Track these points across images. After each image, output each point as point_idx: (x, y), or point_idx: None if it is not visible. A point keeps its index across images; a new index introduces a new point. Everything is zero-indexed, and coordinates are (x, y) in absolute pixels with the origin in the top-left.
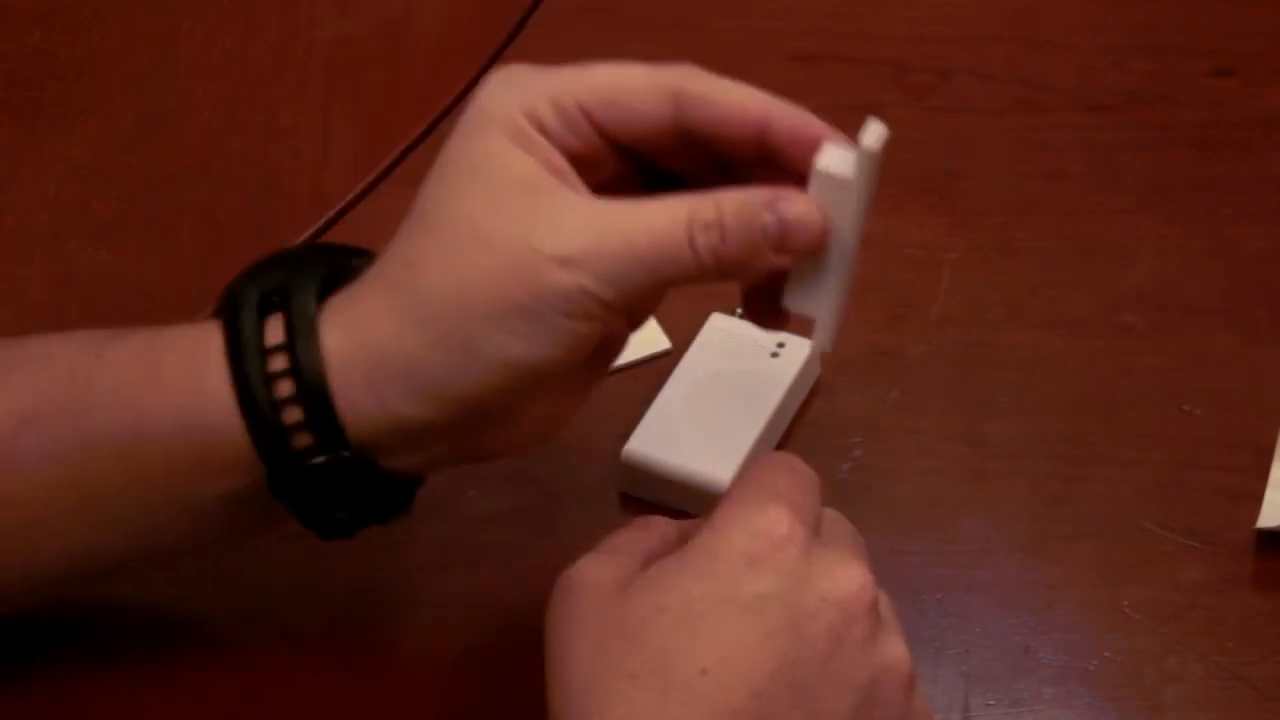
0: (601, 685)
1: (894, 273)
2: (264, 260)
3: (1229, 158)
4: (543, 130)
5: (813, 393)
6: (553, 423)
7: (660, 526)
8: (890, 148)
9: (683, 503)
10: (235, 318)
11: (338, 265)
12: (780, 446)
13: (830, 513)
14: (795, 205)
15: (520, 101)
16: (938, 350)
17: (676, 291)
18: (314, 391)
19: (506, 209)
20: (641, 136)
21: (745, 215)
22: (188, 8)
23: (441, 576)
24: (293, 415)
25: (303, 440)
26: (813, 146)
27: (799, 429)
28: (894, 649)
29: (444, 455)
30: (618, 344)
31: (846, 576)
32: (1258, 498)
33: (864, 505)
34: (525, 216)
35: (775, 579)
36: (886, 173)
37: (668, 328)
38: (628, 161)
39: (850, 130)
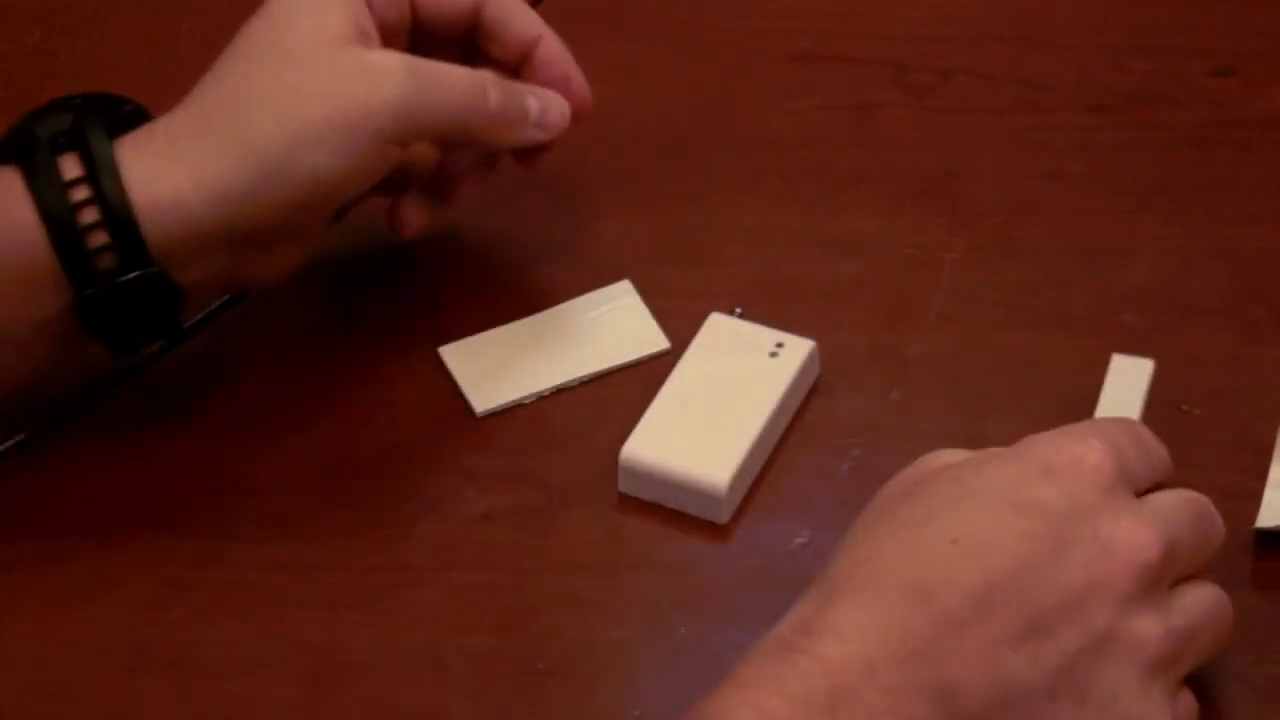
0: (872, 527)
1: (894, 273)
2: (38, 109)
3: (1229, 158)
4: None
5: (812, 392)
6: (298, 258)
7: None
8: None
9: (682, 503)
10: (31, 156)
11: (112, 110)
12: (779, 446)
13: (1177, 496)
14: (553, 98)
15: None
16: (938, 350)
17: (677, 292)
18: (119, 216)
19: (331, 51)
20: (445, 19)
21: (517, 90)
22: (188, 8)
23: (441, 577)
24: (97, 239)
25: (107, 261)
26: (558, 80)
27: (798, 429)
28: (1148, 624)
29: (223, 273)
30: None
31: (1133, 529)
32: (1257, 498)
33: (864, 505)
34: (350, 55)
35: (1059, 495)
36: (886, 172)
37: (667, 328)
38: (410, 48)
39: (849, 129)
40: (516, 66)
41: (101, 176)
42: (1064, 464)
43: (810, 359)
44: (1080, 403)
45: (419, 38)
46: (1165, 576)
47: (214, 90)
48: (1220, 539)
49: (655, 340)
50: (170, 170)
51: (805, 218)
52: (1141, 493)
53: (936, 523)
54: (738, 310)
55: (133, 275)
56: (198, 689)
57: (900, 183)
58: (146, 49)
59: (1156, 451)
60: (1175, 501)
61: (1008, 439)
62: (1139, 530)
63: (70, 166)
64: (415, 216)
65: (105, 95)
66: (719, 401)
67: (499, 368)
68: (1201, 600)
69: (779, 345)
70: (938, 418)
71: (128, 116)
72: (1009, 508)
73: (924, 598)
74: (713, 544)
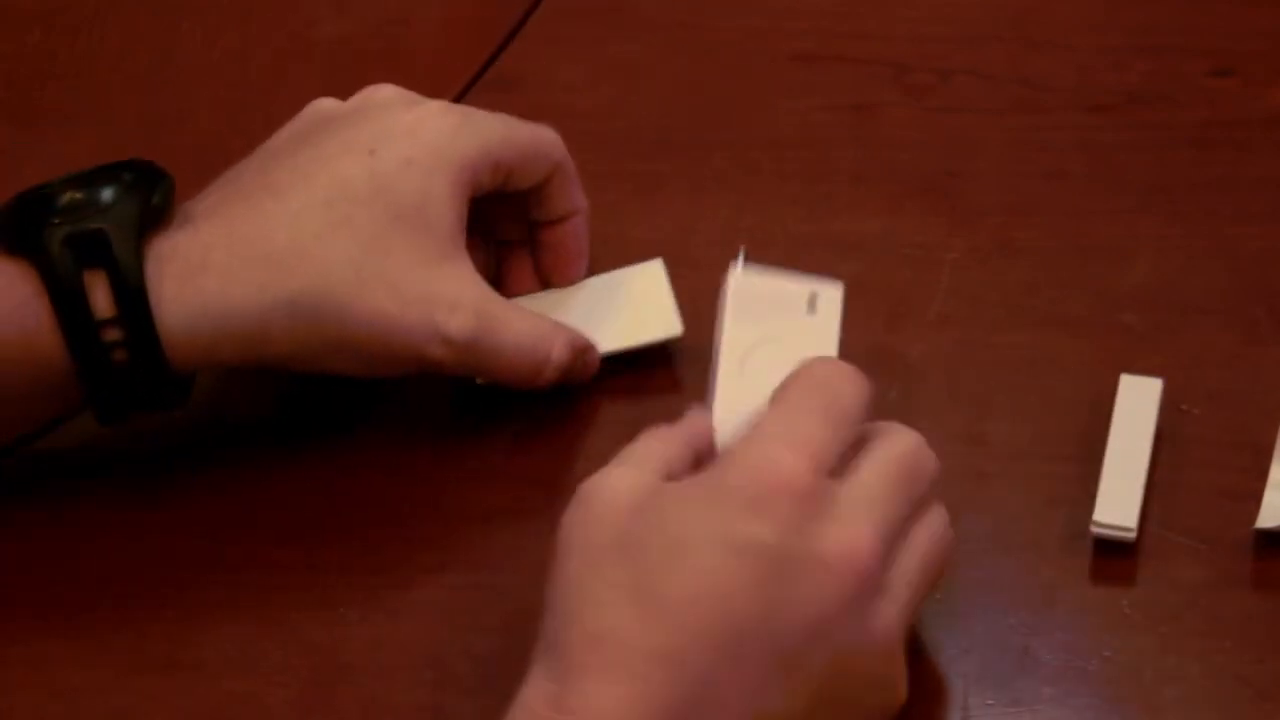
0: (589, 591)
1: (894, 273)
2: (59, 187)
3: (1229, 158)
4: (476, 187)
5: None
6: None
7: (681, 438)
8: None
9: None
10: (52, 271)
11: (146, 188)
12: None
13: (876, 463)
14: (595, 352)
15: (473, 159)
16: (938, 350)
17: (675, 291)
18: (145, 346)
19: (414, 256)
20: (522, 186)
21: (590, 350)
22: (188, 8)
23: (441, 577)
24: (112, 335)
25: (121, 355)
26: (568, 257)
27: None
28: (884, 614)
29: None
30: None
31: (844, 538)
32: (1257, 498)
33: None
34: (431, 274)
35: (768, 528)
36: (886, 172)
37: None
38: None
39: (849, 129)
40: (537, 222)
41: (135, 320)
42: (762, 493)
43: (843, 303)
44: (1080, 403)
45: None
46: (886, 559)
47: (267, 209)
48: (934, 470)
49: (669, 324)
50: (197, 310)
51: (805, 218)
52: (848, 452)
53: (663, 582)
54: (742, 252)
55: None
56: (198, 689)
57: (900, 183)
58: (146, 49)
59: (849, 392)
60: (876, 473)
61: (1008, 439)
62: (849, 536)
63: (97, 287)
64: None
65: (114, 167)
66: (782, 369)
67: None
68: (920, 544)
69: (814, 295)
70: (937, 418)
71: (151, 211)
72: (728, 553)
73: (677, 664)
74: None
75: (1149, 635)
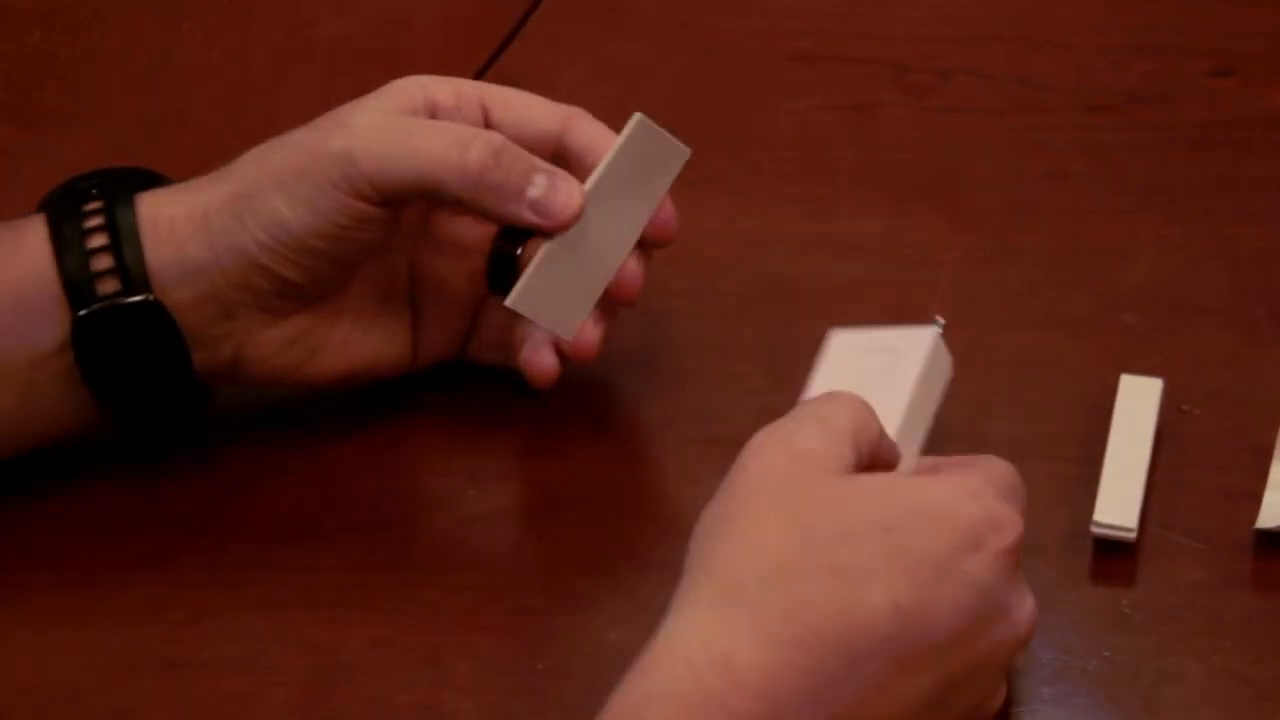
0: (801, 566)
1: (894, 273)
2: (83, 174)
3: (1229, 158)
4: (432, 105)
5: None
6: (320, 364)
7: (868, 412)
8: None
9: None
10: (56, 198)
11: (153, 180)
12: None
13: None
14: (566, 182)
15: (426, 81)
16: None
17: (676, 292)
18: (123, 237)
19: (339, 114)
20: (526, 141)
21: (525, 160)
22: (188, 8)
23: (441, 577)
24: (101, 262)
25: (108, 286)
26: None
27: None
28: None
29: (226, 343)
30: (376, 314)
31: (1030, 607)
32: (1257, 498)
33: None
34: (347, 111)
35: (985, 570)
36: (886, 172)
37: (665, 328)
38: None
39: (849, 129)
40: None
41: (117, 210)
42: (991, 539)
43: (939, 352)
44: (1080, 403)
45: None
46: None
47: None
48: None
49: None
50: (173, 202)
51: (805, 218)
52: None
53: (878, 582)
54: (939, 320)
55: (130, 299)
56: (198, 689)
57: (900, 183)
58: (146, 49)
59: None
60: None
61: (1008, 439)
62: (1033, 606)
63: (94, 208)
64: (543, 360)
65: (147, 170)
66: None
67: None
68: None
69: (903, 341)
70: (938, 417)
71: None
72: (945, 578)
73: (857, 662)
74: None
75: (1149, 635)
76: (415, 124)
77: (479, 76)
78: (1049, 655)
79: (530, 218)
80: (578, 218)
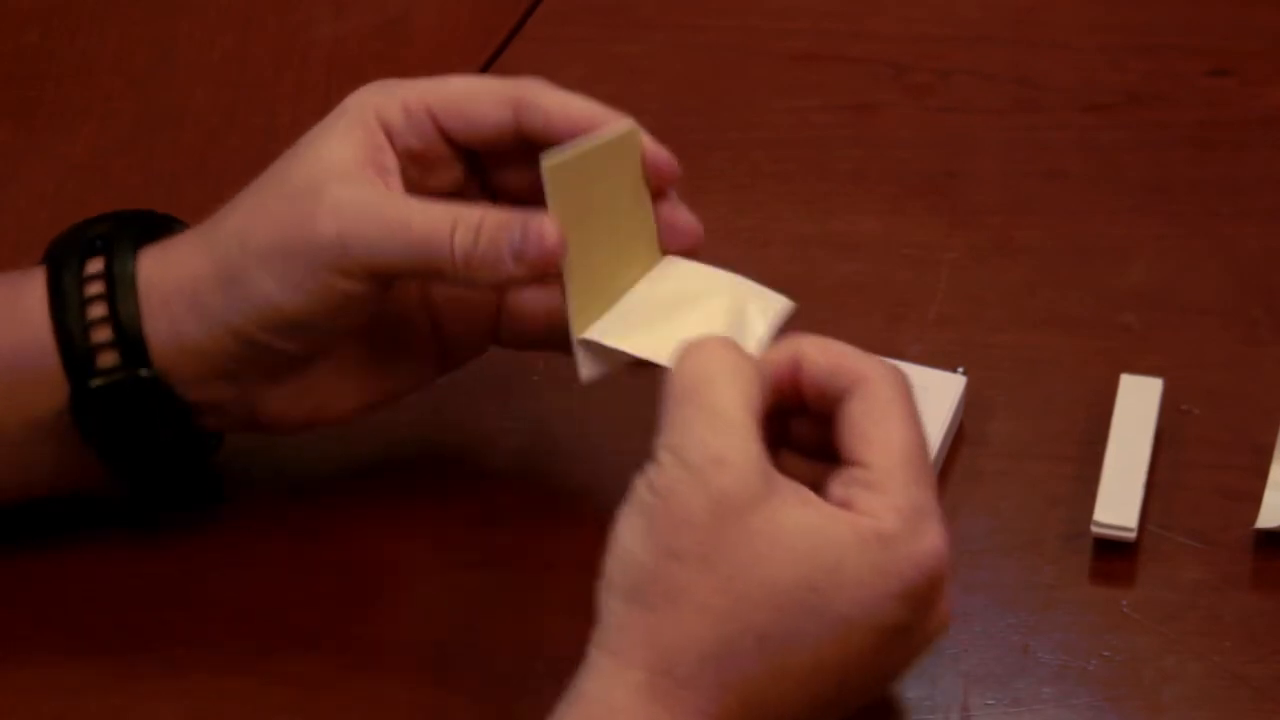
0: (731, 638)
1: (894, 273)
2: (89, 219)
3: (1227, 157)
4: (388, 129)
5: None
6: (340, 405)
7: (744, 363)
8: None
9: None
10: (59, 254)
11: (160, 224)
12: None
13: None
14: (539, 220)
15: (377, 102)
16: (938, 350)
17: None
18: (121, 308)
19: (314, 176)
20: (483, 140)
21: (501, 226)
22: (187, 8)
23: (441, 577)
24: (101, 335)
25: (107, 359)
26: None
27: None
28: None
29: (235, 405)
30: (392, 337)
31: (946, 613)
32: (1257, 498)
33: None
34: (325, 183)
35: (914, 615)
36: (886, 172)
37: None
38: (473, 171)
39: (849, 129)
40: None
41: (115, 265)
42: (923, 587)
43: (959, 399)
44: (1080, 403)
45: (481, 161)
46: None
47: (229, 205)
48: None
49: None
50: (164, 273)
51: (805, 218)
52: None
53: (805, 648)
54: (960, 370)
55: (126, 374)
56: (198, 689)
57: (900, 183)
58: (145, 49)
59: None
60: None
61: (1007, 439)
62: (947, 610)
63: (95, 267)
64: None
65: (159, 214)
66: None
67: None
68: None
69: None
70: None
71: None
72: (876, 636)
73: (783, 711)
74: None
75: (1149, 635)
76: (398, 207)
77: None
78: (1049, 655)
79: (518, 274)
80: (560, 247)
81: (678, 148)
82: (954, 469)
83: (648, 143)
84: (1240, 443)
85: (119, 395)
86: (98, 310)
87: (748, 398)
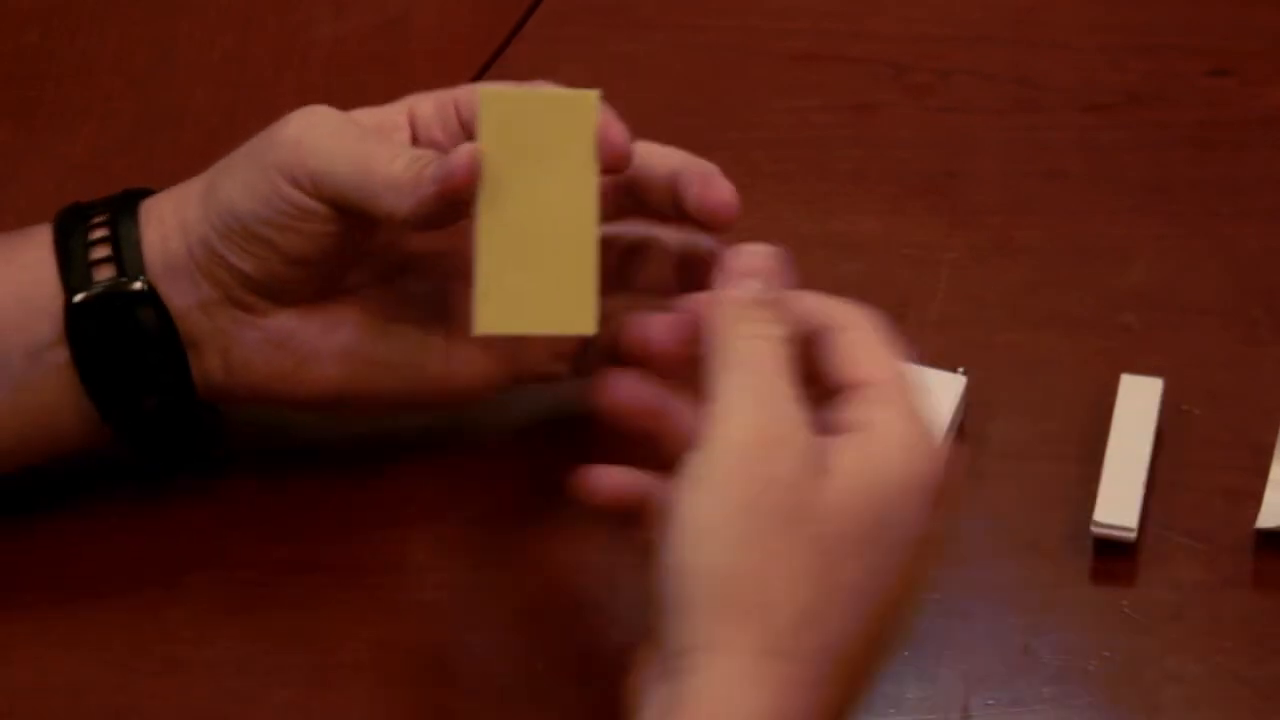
0: (821, 598)
1: (894, 273)
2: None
3: (1227, 157)
4: (414, 116)
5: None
6: (315, 376)
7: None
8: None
9: None
10: (67, 206)
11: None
12: None
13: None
14: (463, 146)
15: (414, 99)
16: (938, 350)
17: None
18: (123, 231)
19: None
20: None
21: (433, 159)
22: (187, 8)
23: (442, 577)
24: (101, 252)
25: (105, 272)
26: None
27: None
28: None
29: (212, 348)
30: (427, 301)
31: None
32: (1257, 498)
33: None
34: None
35: (934, 517)
36: (886, 172)
37: None
38: None
39: (849, 129)
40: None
41: (118, 210)
42: (940, 485)
43: (962, 395)
44: (1080, 403)
45: None
46: None
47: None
48: None
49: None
50: (166, 198)
51: (805, 218)
52: None
53: (888, 592)
54: (960, 370)
55: (122, 284)
56: (198, 689)
57: (900, 183)
58: (145, 49)
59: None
60: None
61: (1008, 439)
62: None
63: (101, 219)
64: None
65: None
66: None
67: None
68: None
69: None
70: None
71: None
72: (920, 548)
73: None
74: None
75: (1149, 635)
76: (366, 135)
77: (479, 77)
78: (1049, 655)
79: (428, 190)
80: (471, 171)
81: (677, 147)
82: (954, 469)
83: (606, 116)
84: (1240, 443)
85: (111, 309)
86: (99, 233)
87: (781, 360)
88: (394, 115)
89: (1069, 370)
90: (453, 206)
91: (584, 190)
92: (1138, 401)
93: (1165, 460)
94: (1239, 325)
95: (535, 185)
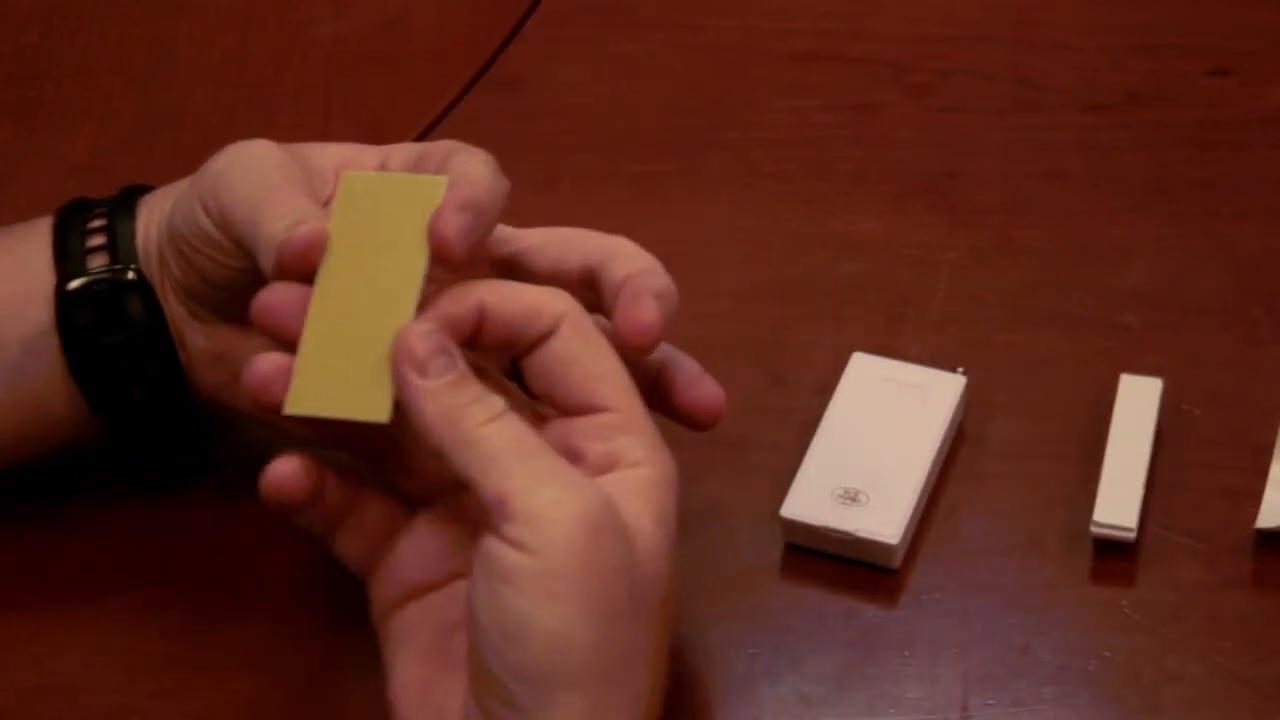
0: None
1: (894, 273)
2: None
3: (1227, 157)
4: (385, 168)
5: (811, 393)
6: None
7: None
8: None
9: (851, 553)
10: (69, 201)
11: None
12: (750, 432)
13: None
14: (316, 222)
15: (399, 145)
16: (938, 350)
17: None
18: (119, 222)
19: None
20: None
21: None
22: (187, 8)
23: None
24: (96, 240)
25: (99, 259)
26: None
27: None
28: None
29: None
30: None
31: None
32: (1257, 498)
33: None
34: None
35: None
36: (886, 172)
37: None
38: None
39: (849, 129)
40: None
41: (115, 211)
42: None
43: (961, 399)
44: (1080, 403)
45: None
46: None
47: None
48: None
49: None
50: (161, 194)
51: (805, 218)
52: None
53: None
54: (960, 370)
55: (115, 270)
56: (198, 689)
57: (900, 183)
58: (145, 49)
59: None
60: None
61: (1007, 439)
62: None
63: (100, 217)
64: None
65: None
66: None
67: None
68: None
69: (930, 384)
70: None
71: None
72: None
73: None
74: (712, 543)
75: (1149, 635)
76: (293, 185)
77: (479, 77)
78: (1049, 655)
79: (269, 259)
80: (312, 246)
81: (678, 148)
82: (954, 469)
83: (446, 204)
84: (1240, 443)
85: (101, 299)
86: (97, 222)
87: (525, 429)
88: (365, 156)
89: (1069, 370)
90: (298, 278)
91: (411, 277)
92: (1137, 401)
93: (1165, 460)
94: (1239, 325)
95: (370, 268)
